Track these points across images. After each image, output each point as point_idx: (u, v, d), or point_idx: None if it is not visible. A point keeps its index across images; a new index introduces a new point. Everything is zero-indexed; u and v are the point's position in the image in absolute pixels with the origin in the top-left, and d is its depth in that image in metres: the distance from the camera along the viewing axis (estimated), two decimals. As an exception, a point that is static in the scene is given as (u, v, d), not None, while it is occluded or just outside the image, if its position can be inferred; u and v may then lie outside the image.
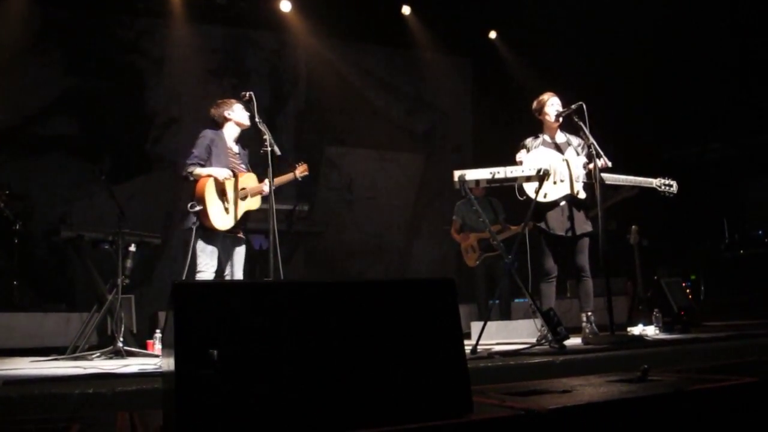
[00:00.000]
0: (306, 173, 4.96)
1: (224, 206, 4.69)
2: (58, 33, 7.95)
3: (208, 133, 4.84)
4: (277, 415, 1.83)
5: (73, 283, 7.28)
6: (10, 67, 7.60)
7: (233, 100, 4.94)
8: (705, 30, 7.97)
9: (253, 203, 4.86)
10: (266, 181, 4.68)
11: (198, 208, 4.58)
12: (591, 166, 4.67)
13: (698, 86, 8.35)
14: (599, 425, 2.10)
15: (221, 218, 4.67)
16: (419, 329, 2.08)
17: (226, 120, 4.92)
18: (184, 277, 4.69)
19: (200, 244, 4.66)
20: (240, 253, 4.89)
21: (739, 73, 8.20)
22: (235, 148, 4.94)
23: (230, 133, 4.94)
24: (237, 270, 4.85)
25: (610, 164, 4.67)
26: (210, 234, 4.68)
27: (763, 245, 8.18)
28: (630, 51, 8.43)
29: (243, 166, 4.92)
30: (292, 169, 5.02)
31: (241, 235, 4.88)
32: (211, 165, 4.73)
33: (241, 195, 4.77)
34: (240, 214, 4.77)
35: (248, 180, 4.87)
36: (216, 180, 4.68)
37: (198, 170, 4.70)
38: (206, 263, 4.68)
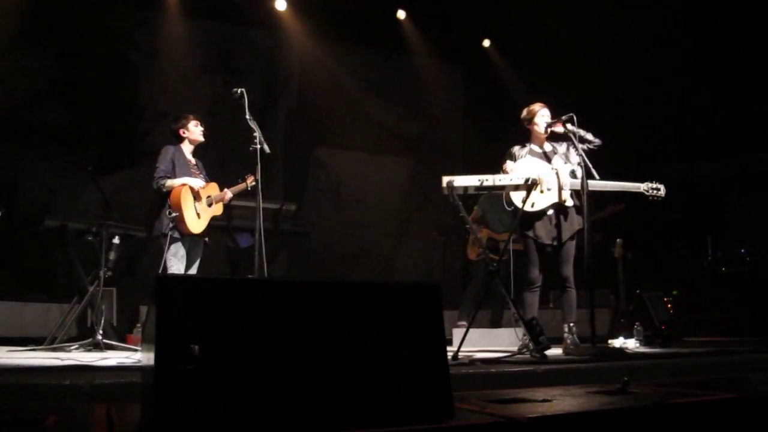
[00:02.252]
0: (254, 183, 5.10)
1: (197, 212, 5.07)
2: (50, 20, 7.88)
3: (169, 149, 5.25)
4: (255, 413, 1.81)
5: (55, 273, 7.21)
6: (-1, 52, 7.54)
7: (190, 117, 5.35)
8: (695, 47, 8.05)
9: (218, 209, 5.31)
10: (226, 189, 5.25)
11: (175, 214, 4.93)
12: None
13: (686, 103, 8.43)
14: (578, 435, 2.10)
15: (195, 223, 5.05)
16: (402, 333, 2.08)
17: (182, 137, 5.31)
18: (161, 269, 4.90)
19: (173, 248, 5.01)
20: (199, 252, 5.27)
21: (727, 91, 8.27)
22: (193, 161, 5.36)
23: (187, 147, 5.34)
24: (193, 267, 5.21)
25: (597, 177, 4.69)
26: (182, 238, 5.04)
27: (745, 264, 8.26)
28: (621, 65, 8.49)
29: (202, 176, 5.31)
30: (244, 180, 5.30)
31: (205, 238, 5.28)
32: (175, 177, 5.11)
33: (207, 202, 5.18)
34: (208, 219, 5.18)
35: (212, 189, 5.28)
36: (191, 188, 5.07)
37: (170, 181, 5.07)
38: (177, 267, 5.01)
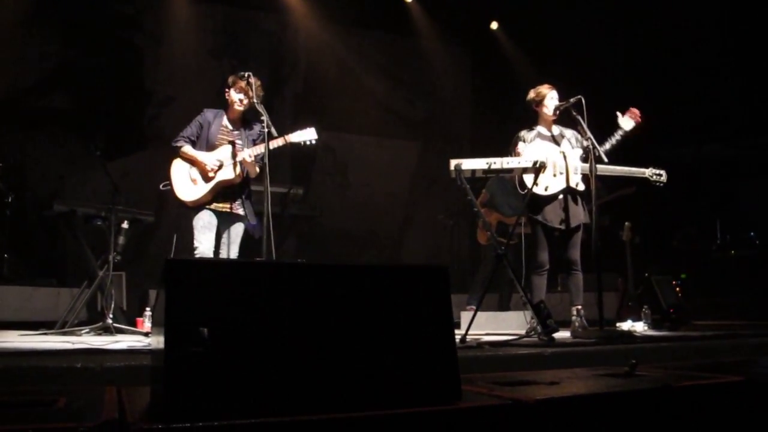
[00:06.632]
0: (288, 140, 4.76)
1: (191, 178, 4.75)
2: (56, 5, 7.87)
3: (206, 113, 4.88)
4: (264, 395, 1.83)
5: (64, 258, 7.25)
6: (6, 38, 7.53)
7: (238, 80, 4.78)
8: (706, 29, 7.97)
9: (227, 173, 4.72)
10: (244, 149, 4.74)
11: (167, 186, 4.76)
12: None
13: (697, 86, 8.36)
14: (586, 417, 2.11)
15: (188, 190, 4.73)
16: (410, 315, 2.08)
17: (226, 100, 4.91)
18: (173, 253, 4.69)
19: (195, 218, 4.72)
20: (236, 230, 4.87)
21: (738, 74, 8.20)
22: (231, 126, 4.88)
23: (230, 112, 4.91)
24: (232, 249, 4.83)
25: (606, 159, 4.67)
26: (199, 209, 4.73)
27: (754, 247, 8.23)
28: (630, 47, 8.42)
29: (240, 143, 4.81)
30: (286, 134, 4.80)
31: (235, 210, 4.81)
32: (198, 142, 4.79)
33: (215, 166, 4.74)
34: (212, 185, 4.70)
35: (222, 151, 4.77)
36: (183, 158, 4.76)
37: (187, 148, 4.77)
38: (199, 239, 4.69)
